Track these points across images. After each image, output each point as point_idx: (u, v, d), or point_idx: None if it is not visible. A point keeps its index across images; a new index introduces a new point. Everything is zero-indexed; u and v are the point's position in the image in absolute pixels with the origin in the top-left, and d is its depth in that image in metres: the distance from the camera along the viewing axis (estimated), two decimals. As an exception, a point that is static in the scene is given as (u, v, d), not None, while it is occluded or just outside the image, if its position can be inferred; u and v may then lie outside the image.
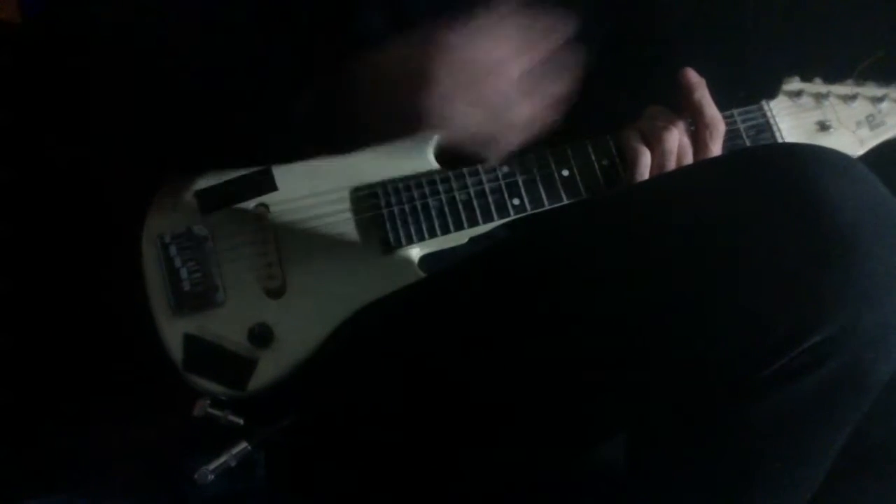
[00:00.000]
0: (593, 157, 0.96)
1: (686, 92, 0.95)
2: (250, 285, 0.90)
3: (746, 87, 1.03)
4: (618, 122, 0.98)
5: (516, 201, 0.94)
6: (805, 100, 1.02)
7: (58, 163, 1.00)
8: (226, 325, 0.89)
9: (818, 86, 1.03)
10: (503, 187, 0.94)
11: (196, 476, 0.85)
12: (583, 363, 0.80)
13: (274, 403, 0.89)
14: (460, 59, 0.81)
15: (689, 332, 0.76)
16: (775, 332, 0.73)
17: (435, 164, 0.95)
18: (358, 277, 0.91)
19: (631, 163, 0.94)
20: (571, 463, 0.90)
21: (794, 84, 1.03)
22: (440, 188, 0.93)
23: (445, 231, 0.93)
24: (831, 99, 1.02)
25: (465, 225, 0.93)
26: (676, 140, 0.94)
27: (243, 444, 0.87)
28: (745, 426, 0.77)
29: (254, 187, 0.93)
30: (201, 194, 0.92)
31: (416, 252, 0.93)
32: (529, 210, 0.94)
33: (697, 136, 0.95)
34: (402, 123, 0.85)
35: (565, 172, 0.95)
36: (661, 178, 0.93)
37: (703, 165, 0.93)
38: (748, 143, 0.99)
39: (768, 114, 1.00)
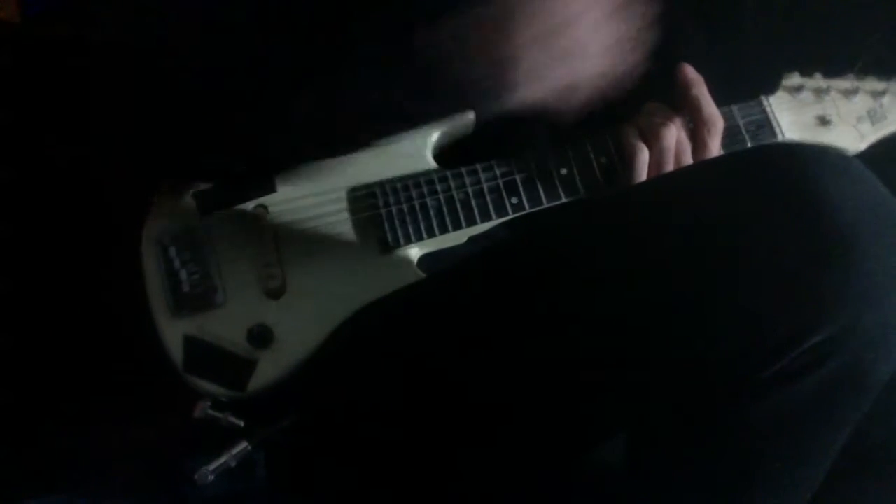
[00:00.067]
0: (591, 155, 0.95)
1: (684, 88, 0.95)
2: (250, 286, 0.90)
3: (745, 82, 1.03)
4: (616, 119, 0.98)
5: (514, 200, 0.94)
6: (805, 95, 1.02)
7: (58, 163, 1.00)
8: (225, 326, 0.89)
9: (818, 81, 1.02)
10: (501, 186, 0.94)
11: (196, 476, 0.85)
12: (582, 363, 0.80)
13: (274, 404, 0.89)
14: (538, 10, 0.82)
15: (689, 332, 0.76)
16: (775, 332, 0.73)
17: (433, 164, 0.94)
18: (357, 278, 0.91)
19: (629, 160, 0.94)
20: (571, 463, 0.90)
21: (794, 79, 1.02)
22: (438, 188, 0.93)
23: (444, 231, 0.92)
24: (832, 94, 1.02)
25: (464, 224, 0.93)
26: (674, 137, 0.94)
27: (243, 445, 0.87)
28: (745, 426, 0.77)
29: (252, 188, 0.93)
30: (200, 196, 0.92)
31: (414, 252, 0.93)
32: (528, 209, 0.94)
33: (696, 133, 0.95)
34: (486, 82, 0.85)
35: (563, 171, 0.95)
36: (660, 178, 0.93)
37: (703, 166, 0.92)
38: (747, 139, 0.98)
39: (767, 109, 1.00)
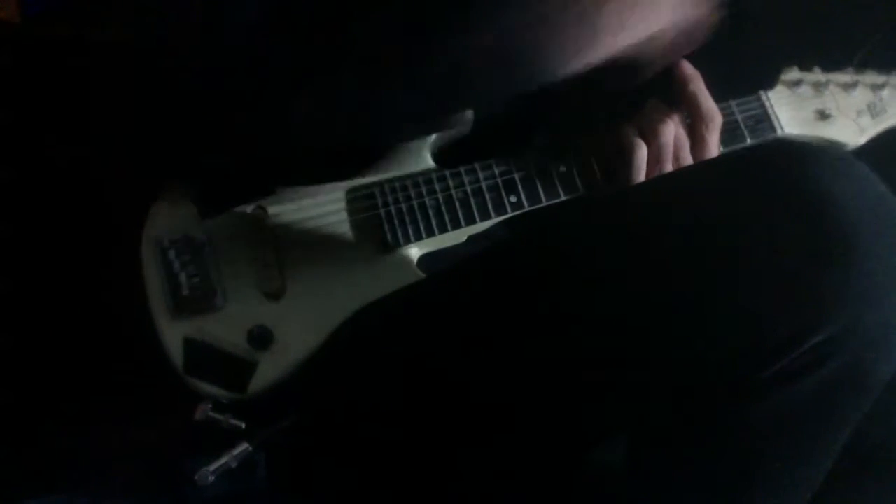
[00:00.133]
0: (590, 153, 0.95)
1: (681, 84, 0.94)
2: (249, 288, 0.90)
3: (744, 78, 1.03)
4: (615, 116, 0.98)
5: (513, 199, 0.94)
6: (804, 89, 1.01)
7: (58, 163, 1.00)
8: (225, 328, 0.89)
9: (817, 75, 1.02)
10: (500, 184, 0.94)
11: (196, 477, 0.85)
12: (583, 363, 0.80)
13: (274, 404, 0.89)
14: None
15: (689, 332, 0.76)
16: (776, 332, 0.73)
17: (431, 163, 0.94)
18: (357, 278, 0.90)
19: (628, 157, 0.93)
20: (571, 463, 0.90)
21: (793, 74, 1.02)
22: (437, 187, 0.93)
23: (443, 230, 0.92)
24: (831, 88, 1.02)
25: (463, 223, 0.93)
26: (673, 133, 0.93)
27: (244, 446, 0.87)
28: (745, 426, 0.77)
29: (251, 190, 0.93)
30: (199, 198, 0.92)
31: (414, 252, 0.93)
32: (527, 207, 0.94)
33: (694, 129, 0.94)
34: (570, 31, 0.85)
35: (562, 168, 0.94)
36: (660, 178, 0.93)
37: (703, 166, 0.92)
38: (746, 134, 0.98)
39: (766, 104, 1.00)
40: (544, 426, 0.85)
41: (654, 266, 0.76)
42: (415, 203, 0.92)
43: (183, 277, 0.89)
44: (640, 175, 0.93)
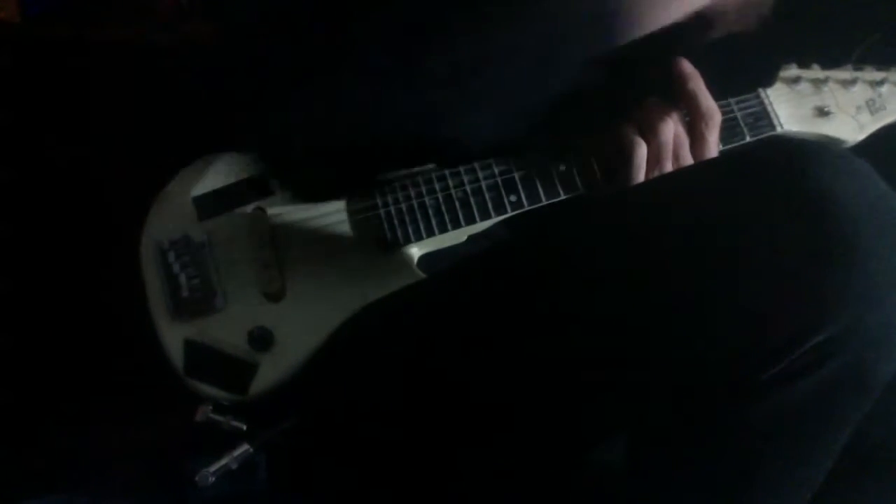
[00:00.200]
0: (590, 152, 0.95)
1: (680, 82, 0.94)
2: (249, 289, 0.90)
3: (743, 75, 1.03)
4: (614, 115, 0.97)
5: (513, 198, 0.93)
6: (803, 86, 1.01)
7: (58, 163, 1.00)
8: (226, 330, 0.89)
9: (816, 72, 1.02)
10: (500, 184, 0.93)
11: (197, 478, 0.85)
12: (582, 363, 0.80)
13: (275, 405, 0.89)
14: None
15: (689, 332, 0.76)
16: (776, 332, 0.73)
17: (431, 163, 0.94)
18: (357, 279, 0.90)
19: (627, 156, 0.93)
20: (571, 463, 0.90)
21: (792, 71, 1.02)
22: (437, 187, 0.93)
23: (443, 230, 0.92)
24: (830, 84, 1.01)
25: (463, 223, 0.93)
26: (672, 131, 0.93)
27: (245, 447, 0.87)
28: (745, 426, 0.77)
29: (250, 191, 0.93)
30: (198, 200, 0.92)
31: (414, 252, 0.93)
32: (527, 206, 0.94)
33: (693, 127, 0.94)
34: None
35: (562, 168, 0.94)
36: (660, 178, 0.92)
37: (703, 165, 0.92)
38: (746, 132, 0.98)
39: (765, 101, 0.99)
40: (544, 426, 0.85)
41: (654, 266, 0.76)
42: (415, 203, 0.92)
43: (183, 279, 0.89)
44: (640, 174, 0.93)
